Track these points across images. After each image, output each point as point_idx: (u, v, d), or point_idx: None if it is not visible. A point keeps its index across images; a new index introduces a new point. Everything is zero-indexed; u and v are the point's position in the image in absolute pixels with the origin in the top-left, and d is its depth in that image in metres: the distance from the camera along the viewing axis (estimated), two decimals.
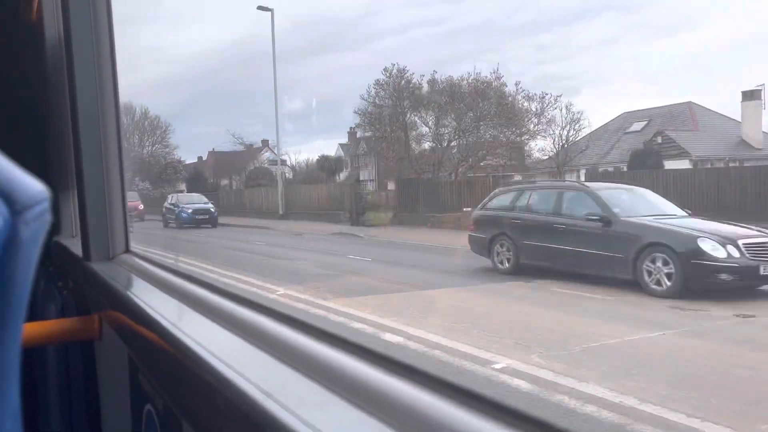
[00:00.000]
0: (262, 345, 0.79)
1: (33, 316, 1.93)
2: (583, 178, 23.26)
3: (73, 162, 1.81)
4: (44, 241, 0.50)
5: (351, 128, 40.02)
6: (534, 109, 25.95)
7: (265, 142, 54.65)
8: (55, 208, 2.30)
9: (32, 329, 1.57)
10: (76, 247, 1.88)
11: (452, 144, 27.39)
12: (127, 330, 1.21)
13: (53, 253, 2.08)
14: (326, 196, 28.57)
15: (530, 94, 25.94)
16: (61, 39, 1.95)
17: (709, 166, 23.20)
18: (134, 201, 26.08)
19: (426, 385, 0.57)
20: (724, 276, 8.34)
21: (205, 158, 56.58)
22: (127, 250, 1.78)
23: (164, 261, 1.57)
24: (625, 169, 23.41)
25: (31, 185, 0.47)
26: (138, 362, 1.22)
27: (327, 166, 41.43)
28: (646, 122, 29.44)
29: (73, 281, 1.91)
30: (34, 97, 2.33)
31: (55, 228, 2.20)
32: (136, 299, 1.18)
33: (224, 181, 48.96)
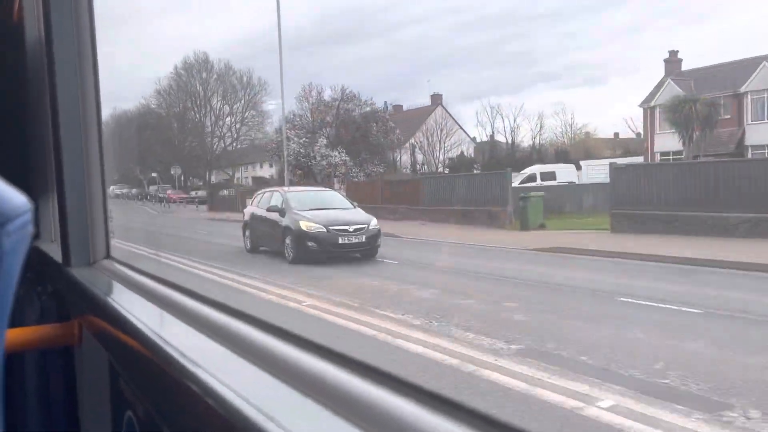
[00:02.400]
0: (243, 353, 0.79)
1: (10, 322, 1.90)
2: None
3: (54, 165, 1.80)
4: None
5: None
6: None
7: (436, 98, 40.98)
8: (35, 212, 2.27)
9: (10, 335, 1.55)
10: (55, 253, 1.86)
11: None
12: (108, 336, 1.20)
13: (32, 258, 2.05)
14: None
15: None
16: (42, 40, 1.93)
17: None
18: None
19: (406, 393, 0.58)
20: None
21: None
22: (108, 256, 1.77)
23: (146, 267, 1.56)
24: None
25: (13, 197, 0.47)
26: (119, 369, 1.21)
27: None
28: None
29: (53, 287, 1.89)
30: (14, 99, 2.31)
31: (35, 233, 2.17)
32: (116, 305, 1.17)
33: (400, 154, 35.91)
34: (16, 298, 2.01)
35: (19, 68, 2.26)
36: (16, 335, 1.58)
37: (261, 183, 43.81)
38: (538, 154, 39.67)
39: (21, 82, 2.27)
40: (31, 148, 2.30)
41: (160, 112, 58.56)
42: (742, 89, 27.19)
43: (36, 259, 2.03)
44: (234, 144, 59.31)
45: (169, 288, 1.26)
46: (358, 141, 31.70)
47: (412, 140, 37.69)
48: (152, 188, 52.88)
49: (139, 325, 1.00)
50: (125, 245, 12.38)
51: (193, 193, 48.37)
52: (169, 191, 49.19)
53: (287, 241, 13.49)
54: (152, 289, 1.29)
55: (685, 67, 33.71)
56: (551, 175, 28.67)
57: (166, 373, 0.82)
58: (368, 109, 33.36)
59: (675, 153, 28.31)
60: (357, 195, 22.64)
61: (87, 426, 1.71)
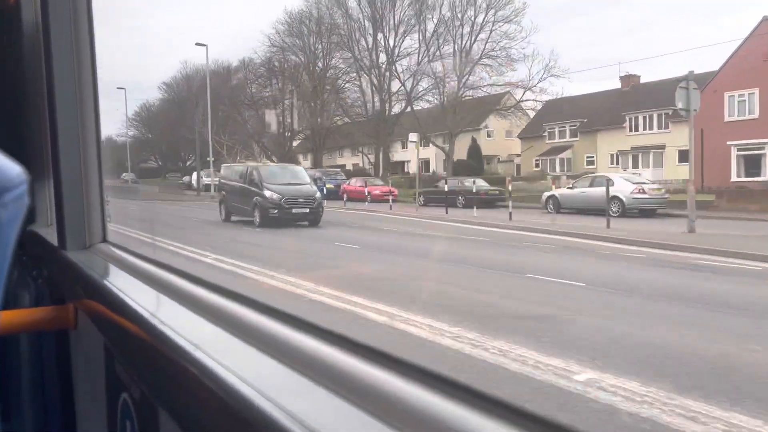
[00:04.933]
0: (240, 334, 0.79)
1: (5, 306, 1.90)
2: None
3: (50, 149, 1.79)
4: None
5: None
6: None
7: None
8: (31, 196, 2.27)
9: (4, 317, 1.55)
10: (51, 236, 1.85)
11: None
12: (104, 319, 1.21)
13: (27, 242, 2.05)
14: None
15: None
16: (38, 24, 1.91)
17: None
18: None
19: (405, 373, 0.59)
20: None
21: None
22: (104, 240, 1.77)
23: (142, 250, 1.56)
24: None
25: (9, 168, 0.47)
26: (114, 351, 1.22)
27: None
28: None
29: (48, 270, 1.89)
30: (10, 82, 2.29)
31: (30, 216, 2.17)
32: (113, 288, 1.17)
33: None
34: (12, 281, 2.02)
35: (16, 52, 2.24)
36: (11, 318, 1.58)
37: None
38: None
39: (18, 65, 2.25)
40: (28, 131, 2.29)
41: (275, 58, 39.49)
42: None
43: (32, 243, 2.03)
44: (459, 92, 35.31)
45: (165, 271, 1.26)
46: None
47: None
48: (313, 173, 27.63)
49: (135, 307, 1.00)
50: None
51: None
52: (355, 182, 27.85)
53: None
54: (149, 272, 1.29)
55: None
56: None
57: (162, 355, 0.83)
58: None
59: None
60: None
61: (82, 408, 1.72)
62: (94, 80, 1.75)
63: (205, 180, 36.15)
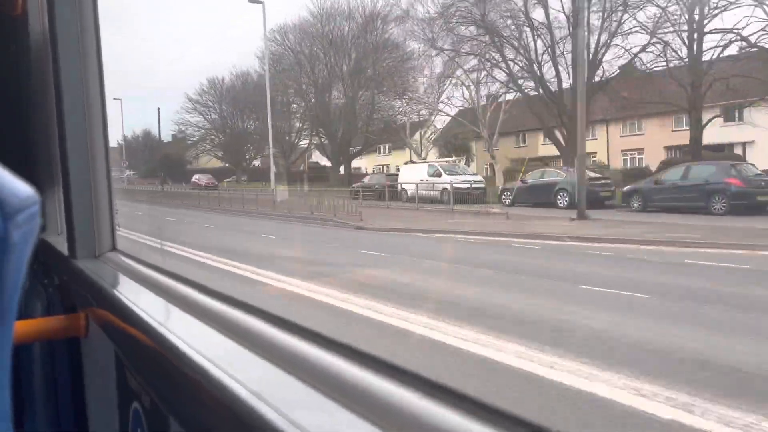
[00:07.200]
0: (249, 345, 0.79)
1: (18, 314, 1.91)
2: None
3: (59, 158, 1.80)
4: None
5: None
6: None
7: None
8: (41, 205, 2.28)
9: (17, 327, 1.56)
10: (61, 245, 1.86)
11: None
12: (114, 328, 1.21)
13: (38, 250, 2.06)
14: None
15: None
16: (46, 33, 1.93)
17: None
18: None
19: (413, 385, 0.58)
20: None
21: None
22: (114, 248, 1.77)
23: (151, 260, 1.56)
24: None
25: (20, 189, 0.47)
26: (125, 360, 1.22)
27: None
28: None
29: (59, 279, 1.90)
30: (18, 92, 2.31)
31: (41, 225, 2.18)
32: (122, 297, 1.17)
33: None
34: (23, 290, 2.03)
35: (23, 60, 2.26)
36: (23, 327, 1.59)
37: None
38: None
39: (25, 75, 2.27)
40: (37, 140, 2.30)
41: None
42: None
43: (42, 252, 2.04)
44: None
45: (175, 280, 1.26)
46: None
47: None
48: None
49: (145, 317, 1.00)
50: None
51: None
52: None
53: None
54: (158, 282, 1.29)
55: None
56: None
57: (171, 365, 0.83)
58: None
59: None
60: None
61: (94, 416, 1.72)
62: (102, 88, 1.76)
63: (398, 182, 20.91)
